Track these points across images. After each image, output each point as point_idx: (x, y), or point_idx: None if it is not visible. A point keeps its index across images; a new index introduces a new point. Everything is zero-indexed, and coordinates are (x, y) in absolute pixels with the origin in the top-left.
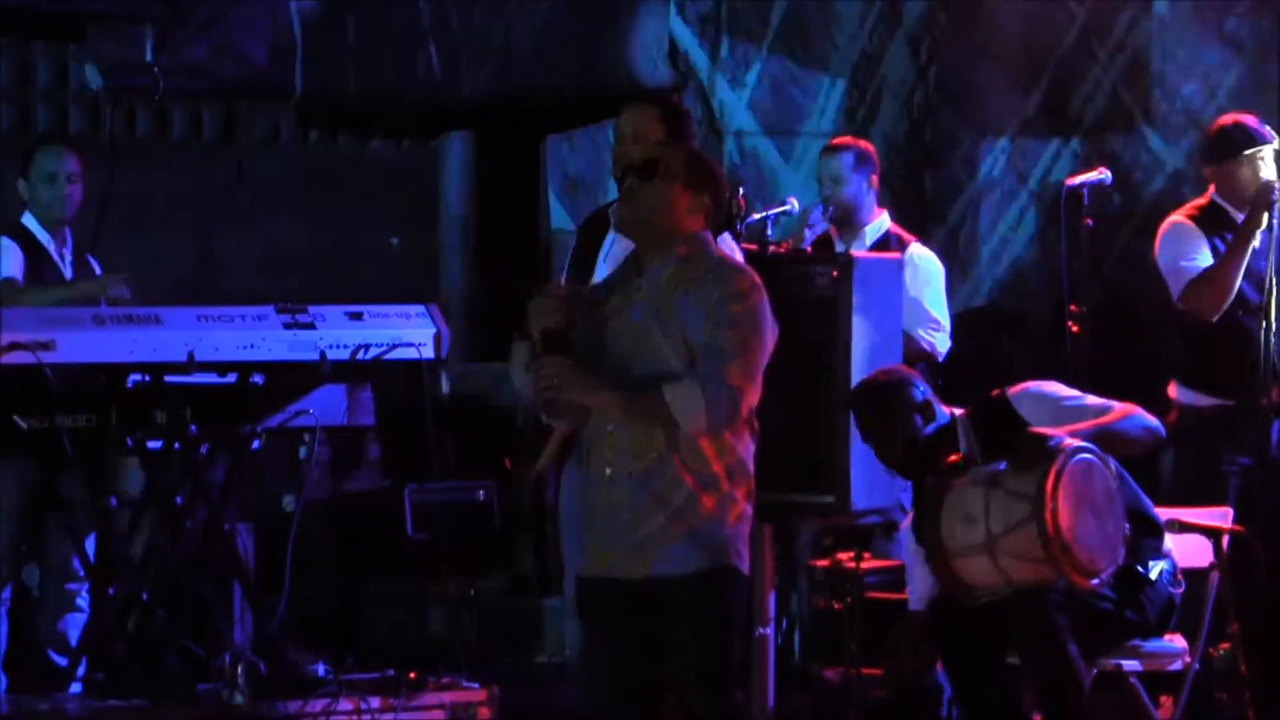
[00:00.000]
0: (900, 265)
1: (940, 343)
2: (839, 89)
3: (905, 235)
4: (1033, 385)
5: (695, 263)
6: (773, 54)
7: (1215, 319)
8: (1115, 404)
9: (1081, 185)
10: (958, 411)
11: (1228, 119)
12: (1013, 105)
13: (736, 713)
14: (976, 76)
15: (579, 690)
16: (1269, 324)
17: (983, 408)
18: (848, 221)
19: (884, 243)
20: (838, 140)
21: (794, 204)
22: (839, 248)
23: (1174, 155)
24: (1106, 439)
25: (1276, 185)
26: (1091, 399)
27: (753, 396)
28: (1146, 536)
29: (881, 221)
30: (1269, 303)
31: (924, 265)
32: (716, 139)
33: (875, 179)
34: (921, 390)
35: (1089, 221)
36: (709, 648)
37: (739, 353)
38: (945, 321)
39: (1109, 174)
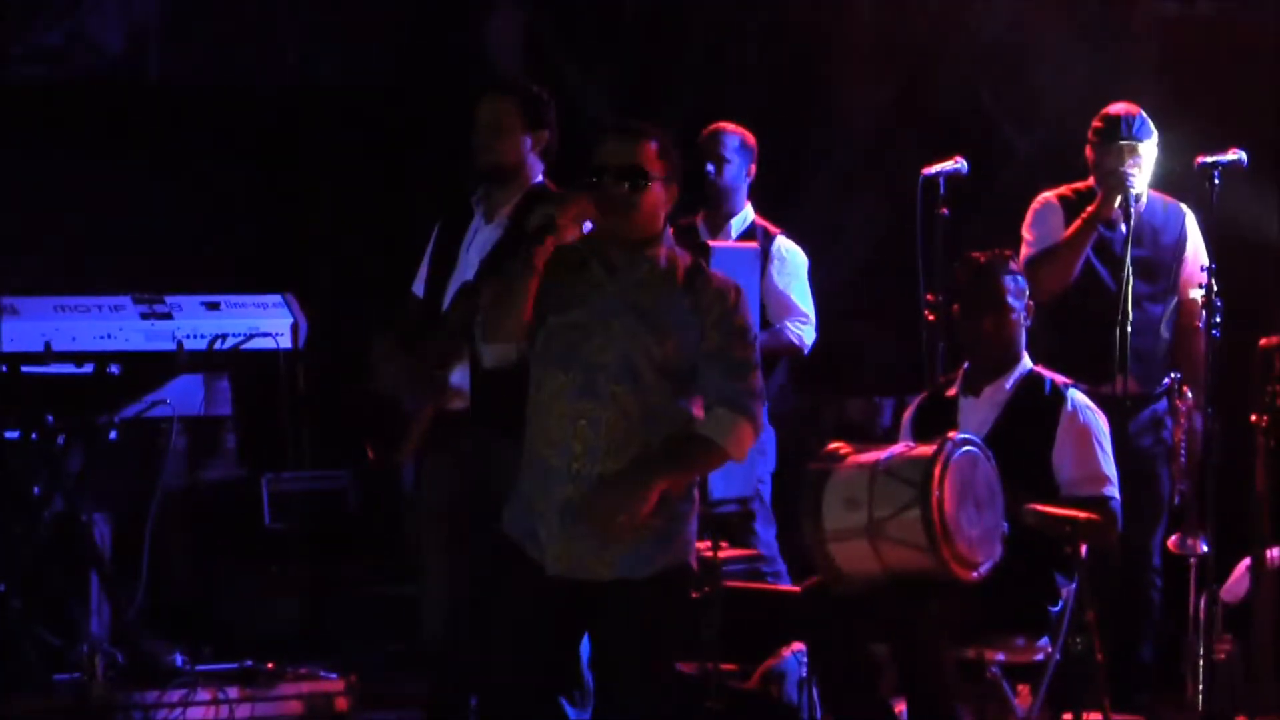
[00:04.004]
0: (757, 254)
1: (807, 335)
2: None
3: (771, 227)
4: None
5: (677, 265)
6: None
7: (1048, 299)
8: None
9: (937, 174)
10: None
11: (1119, 106)
12: (868, 92)
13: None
14: (830, 65)
15: (437, 674)
16: (1123, 314)
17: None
18: (719, 205)
19: (750, 234)
20: (724, 123)
21: None
22: (704, 237)
23: (1027, 144)
24: None
25: (1130, 175)
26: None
27: None
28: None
29: (747, 213)
30: (1124, 293)
31: (790, 258)
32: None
33: (753, 169)
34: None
35: (944, 210)
36: (661, 644)
37: (753, 361)
38: (811, 313)
39: (965, 163)
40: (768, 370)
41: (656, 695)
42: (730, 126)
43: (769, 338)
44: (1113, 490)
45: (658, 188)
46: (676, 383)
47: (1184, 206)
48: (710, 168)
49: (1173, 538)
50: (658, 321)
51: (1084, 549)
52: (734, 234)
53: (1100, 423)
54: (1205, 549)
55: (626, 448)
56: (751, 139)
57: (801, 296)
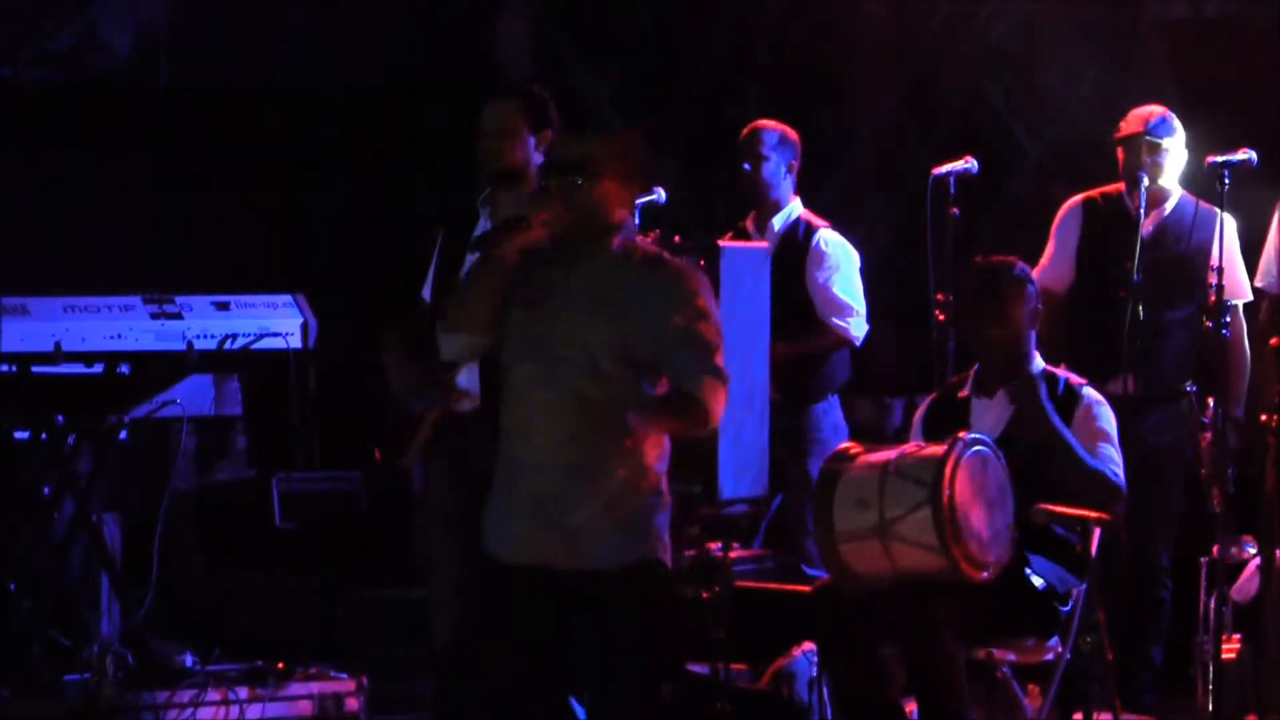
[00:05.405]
0: (766, 255)
1: (855, 327)
2: None
3: (815, 221)
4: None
5: (635, 254)
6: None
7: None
8: None
9: (948, 174)
10: None
11: (1144, 108)
12: (878, 93)
13: (661, 704)
14: (841, 66)
15: (441, 680)
16: (1133, 314)
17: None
18: (763, 202)
19: (792, 229)
20: (764, 120)
21: (661, 193)
22: (754, 236)
23: (1038, 146)
24: None
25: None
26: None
27: None
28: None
29: (792, 208)
30: (1132, 293)
31: (831, 251)
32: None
33: (795, 164)
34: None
35: (955, 211)
36: (638, 641)
37: (719, 341)
38: (859, 306)
39: (975, 163)
40: (823, 367)
41: (634, 691)
42: (770, 124)
43: (814, 335)
44: (1117, 470)
45: (609, 183)
46: (638, 371)
47: (1220, 211)
48: (746, 165)
49: (1215, 548)
50: (617, 310)
51: (1094, 549)
52: (776, 229)
53: (1114, 420)
54: (1251, 551)
55: (587, 438)
56: (793, 135)
57: (845, 289)
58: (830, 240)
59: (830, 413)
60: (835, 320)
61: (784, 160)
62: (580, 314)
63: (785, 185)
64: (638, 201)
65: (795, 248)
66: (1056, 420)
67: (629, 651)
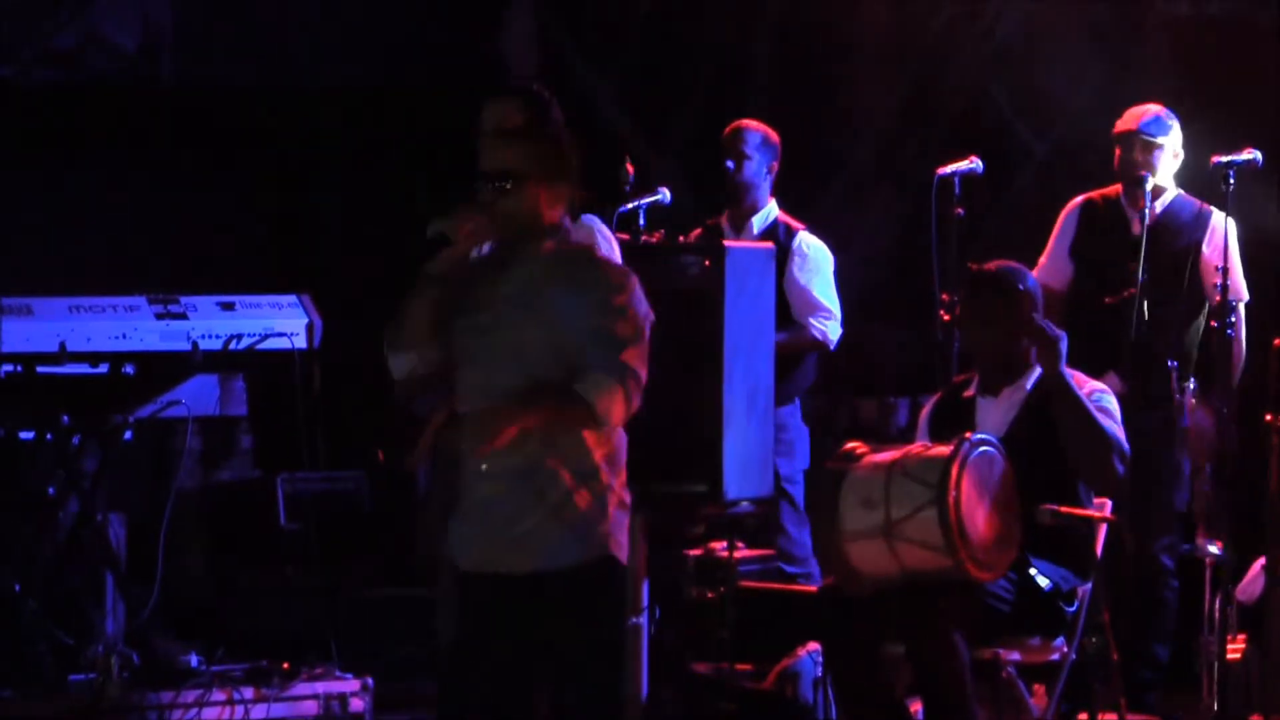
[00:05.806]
0: (771, 254)
1: (831, 330)
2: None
3: (794, 223)
4: None
5: (563, 254)
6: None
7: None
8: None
9: (953, 174)
10: None
11: (1139, 107)
12: (881, 93)
13: (622, 703)
14: (844, 64)
15: (443, 681)
16: (1139, 313)
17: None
18: (740, 202)
19: (772, 230)
20: (746, 120)
21: (666, 193)
22: (729, 235)
23: (1042, 145)
24: None
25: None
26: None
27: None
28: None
29: (770, 210)
30: (1135, 291)
31: (812, 254)
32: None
33: (775, 166)
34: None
35: (959, 211)
36: (593, 640)
37: (634, 339)
38: (835, 309)
39: (980, 163)
40: (795, 368)
41: (594, 691)
42: (752, 124)
43: (791, 335)
44: (1121, 440)
45: (536, 186)
46: (572, 373)
47: (1216, 212)
48: (730, 164)
49: (1191, 541)
50: (547, 313)
51: (1099, 549)
52: (755, 230)
53: (1119, 411)
54: (1217, 552)
55: (524, 444)
56: (774, 136)
57: (824, 292)
58: (811, 243)
59: (795, 414)
60: (813, 321)
61: (765, 161)
62: (512, 319)
63: (765, 186)
64: (642, 202)
65: (776, 249)
66: (1069, 379)
67: (586, 652)
